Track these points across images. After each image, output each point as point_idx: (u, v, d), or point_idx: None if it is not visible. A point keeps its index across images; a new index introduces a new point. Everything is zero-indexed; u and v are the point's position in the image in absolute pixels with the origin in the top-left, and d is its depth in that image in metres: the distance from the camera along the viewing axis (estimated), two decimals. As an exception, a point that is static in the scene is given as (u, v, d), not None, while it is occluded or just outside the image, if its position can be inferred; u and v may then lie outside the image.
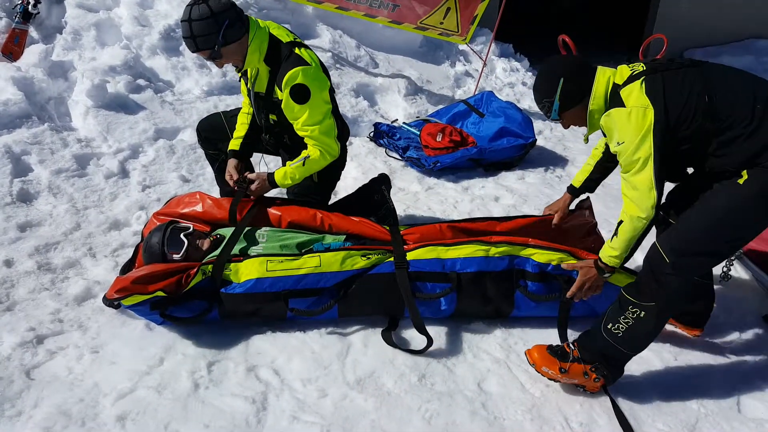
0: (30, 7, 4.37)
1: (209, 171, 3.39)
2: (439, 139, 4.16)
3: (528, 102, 5.52)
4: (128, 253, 2.81)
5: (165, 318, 2.30)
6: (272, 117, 2.65)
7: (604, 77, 2.04)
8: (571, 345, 2.13)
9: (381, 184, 2.83)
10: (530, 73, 6.18)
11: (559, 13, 9.10)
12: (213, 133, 2.87)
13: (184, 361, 2.21)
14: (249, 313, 2.37)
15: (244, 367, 2.20)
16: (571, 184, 2.62)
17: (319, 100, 2.48)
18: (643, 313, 1.99)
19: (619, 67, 2.10)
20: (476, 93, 5.10)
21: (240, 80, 2.70)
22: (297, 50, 2.47)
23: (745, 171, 1.93)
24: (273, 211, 2.69)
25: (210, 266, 2.34)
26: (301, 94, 2.43)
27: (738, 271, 2.95)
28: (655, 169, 1.90)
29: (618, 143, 1.95)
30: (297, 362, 2.25)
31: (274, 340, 2.35)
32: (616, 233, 2.05)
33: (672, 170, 2.07)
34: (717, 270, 2.84)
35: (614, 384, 2.16)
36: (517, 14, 6.80)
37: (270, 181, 2.65)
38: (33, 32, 4.46)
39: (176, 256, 2.40)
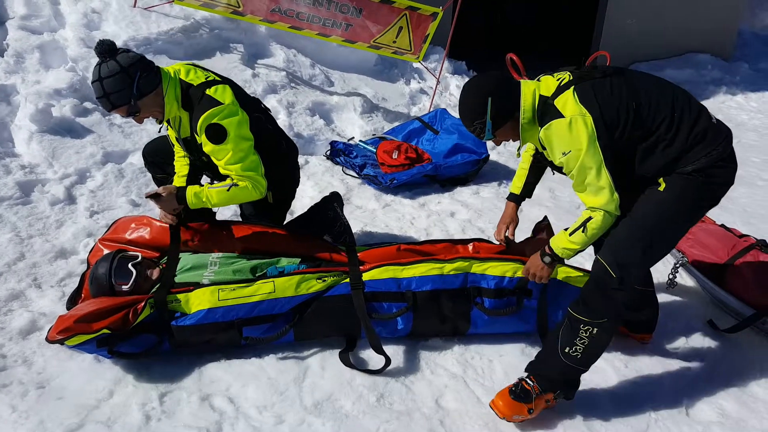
0: (-32, 29, 4.22)
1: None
2: (395, 156, 4.22)
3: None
4: (76, 282, 2.71)
5: (113, 354, 2.23)
6: (203, 158, 2.61)
7: (529, 90, 2.04)
8: (528, 380, 2.09)
9: (333, 201, 2.83)
10: (483, 89, 6.32)
11: (510, 29, 9.37)
12: (159, 156, 2.82)
13: (135, 393, 2.15)
14: (202, 343, 2.32)
15: (198, 397, 2.15)
16: (511, 193, 2.57)
17: (236, 138, 2.41)
18: (596, 330, 2.00)
19: (542, 78, 2.10)
20: (431, 110, 5.19)
21: (167, 128, 2.65)
22: (209, 90, 2.42)
23: (661, 179, 2.01)
24: (226, 236, 2.65)
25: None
26: (216, 135, 2.37)
27: (683, 278, 3.07)
28: (609, 171, 1.92)
29: (563, 153, 1.94)
30: (252, 389, 2.21)
31: (229, 367, 2.31)
32: (583, 228, 2.01)
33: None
34: (662, 278, 2.97)
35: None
36: (469, 32, 6.98)
37: (178, 196, 2.48)
38: (-28, 55, 4.30)
39: (125, 287, 2.34)
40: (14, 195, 3.34)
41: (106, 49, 2.29)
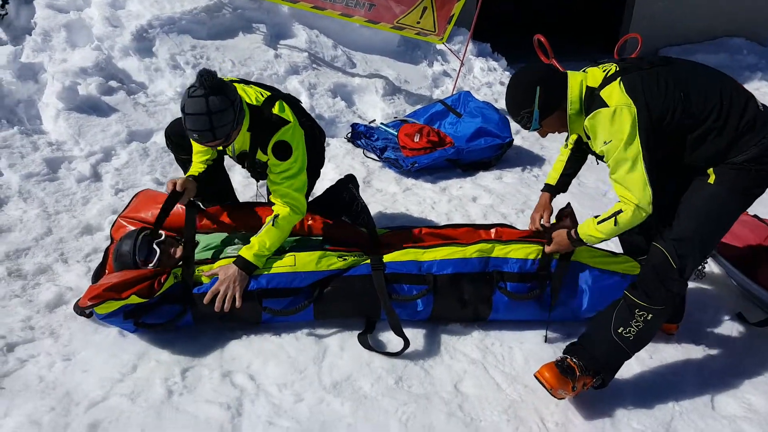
0: (-3, 7, 4.28)
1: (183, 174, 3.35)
2: (416, 139, 4.17)
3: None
4: (100, 258, 2.76)
5: (139, 326, 2.27)
6: (258, 169, 2.64)
7: (576, 81, 2.06)
8: (573, 359, 2.07)
9: (348, 183, 2.83)
10: (507, 73, 6.22)
11: (536, 11, 9.17)
12: (184, 138, 2.77)
13: (158, 368, 2.19)
14: (223, 314, 2.33)
15: (219, 373, 2.18)
16: (546, 183, 2.60)
17: (297, 157, 2.44)
18: (651, 315, 2.03)
19: (588, 69, 2.12)
20: (454, 93, 5.12)
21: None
22: (274, 110, 2.43)
23: (711, 170, 2.02)
24: (248, 217, 2.66)
25: (180, 270, 2.32)
26: (282, 152, 2.41)
27: (712, 268, 3.00)
28: (646, 165, 1.93)
29: (605, 142, 1.97)
30: (272, 367, 2.24)
31: (250, 345, 2.34)
32: (614, 220, 2.04)
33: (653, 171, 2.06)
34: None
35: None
36: (495, 14, 6.85)
37: (243, 266, 2.29)
38: (1, 33, 4.36)
39: (150, 266, 2.37)
40: (42, 171, 3.41)
41: (216, 84, 2.19)
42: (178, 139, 2.81)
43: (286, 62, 5.04)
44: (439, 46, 5.92)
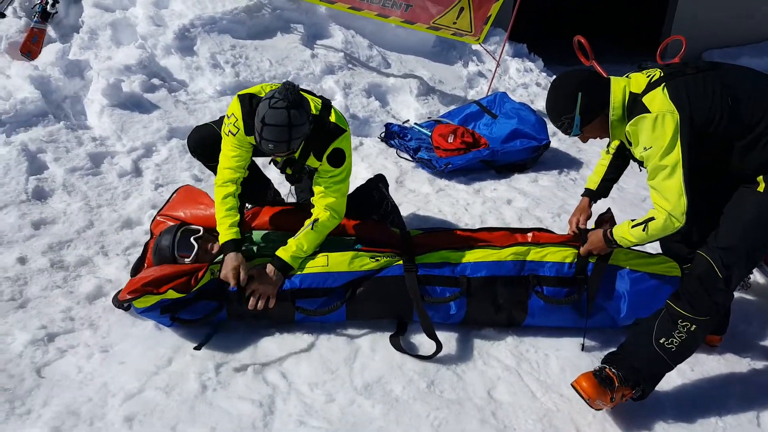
0: (48, 6, 4.42)
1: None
2: (450, 140, 4.13)
3: (542, 103, 5.46)
4: (139, 251, 2.81)
5: (175, 321, 2.31)
6: (296, 175, 2.66)
7: (619, 87, 2.02)
8: (612, 369, 2.02)
9: (377, 182, 2.82)
10: (544, 74, 6.12)
11: (574, 12, 9.00)
12: (208, 148, 2.70)
13: (192, 362, 2.21)
14: (257, 313, 2.34)
15: (252, 370, 2.20)
16: (586, 188, 2.56)
17: (348, 164, 2.50)
18: (694, 326, 1.97)
19: (632, 75, 2.07)
20: (489, 94, 5.06)
21: (238, 147, 2.44)
22: (332, 118, 2.45)
23: (761, 177, 1.95)
24: (285, 218, 2.67)
25: (218, 266, 2.34)
26: (337, 159, 2.44)
27: (757, 278, 2.89)
28: (685, 174, 1.89)
29: (645, 149, 1.93)
30: (304, 366, 2.24)
31: (282, 343, 2.35)
32: (644, 226, 2.01)
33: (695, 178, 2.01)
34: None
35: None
36: (532, 14, 6.74)
37: (279, 267, 2.34)
38: (51, 31, 4.50)
39: (187, 260, 2.41)
40: (86, 165, 3.50)
41: (297, 97, 2.23)
42: (202, 150, 2.77)
43: (322, 62, 5.06)
44: (475, 47, 5.87)
